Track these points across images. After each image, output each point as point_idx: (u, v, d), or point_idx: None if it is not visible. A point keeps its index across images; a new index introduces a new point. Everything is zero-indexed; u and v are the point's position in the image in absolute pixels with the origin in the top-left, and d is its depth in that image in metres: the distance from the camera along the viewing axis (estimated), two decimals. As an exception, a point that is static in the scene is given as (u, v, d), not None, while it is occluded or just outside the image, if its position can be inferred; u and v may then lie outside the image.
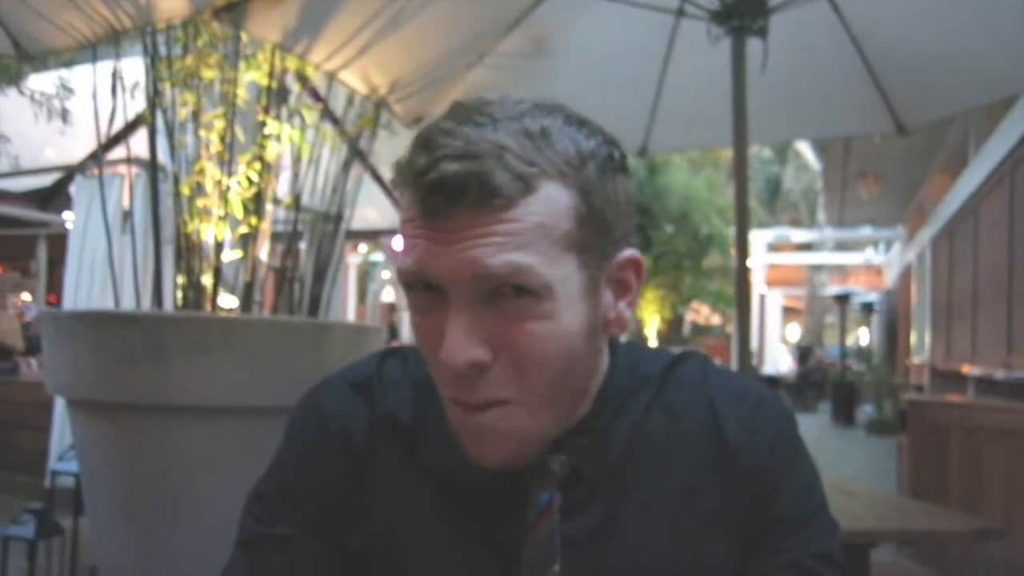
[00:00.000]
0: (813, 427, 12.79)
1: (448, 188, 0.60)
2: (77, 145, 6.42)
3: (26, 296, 11.96)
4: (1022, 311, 5.61)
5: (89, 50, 2.95)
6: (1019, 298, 5.70)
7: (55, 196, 9.10)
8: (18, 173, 7.30)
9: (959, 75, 3.21)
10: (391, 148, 6.36)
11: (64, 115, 5.11)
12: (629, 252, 0.71)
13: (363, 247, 14.40)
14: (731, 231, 14.45)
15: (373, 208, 9.50)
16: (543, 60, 3.30)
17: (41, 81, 5.35)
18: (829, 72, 3.35)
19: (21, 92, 5.23)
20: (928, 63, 3.20)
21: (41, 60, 3.90)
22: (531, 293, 0.62)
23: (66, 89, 5.06)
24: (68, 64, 4.96)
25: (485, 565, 0.72)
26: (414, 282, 0.65)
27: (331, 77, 2.90)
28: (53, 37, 2.79)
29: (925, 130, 8.25)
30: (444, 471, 0.73)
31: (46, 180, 8.86)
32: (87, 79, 3.40)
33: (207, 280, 2.96)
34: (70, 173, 7.42)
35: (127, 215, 4.27)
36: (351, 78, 2.91)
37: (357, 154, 3.52)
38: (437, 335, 0.64)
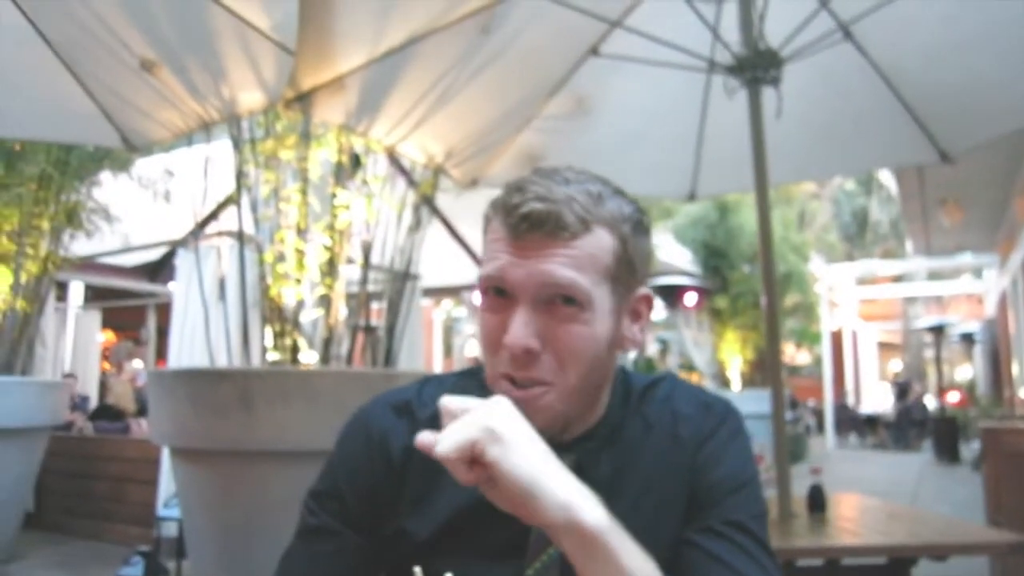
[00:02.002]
0: (913, 466, 12.23)
1: (532, 219, 0.84)
2: (179, 222, 7.03)
3: (138, 363, 12.78)
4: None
5: (186, 137, 3.37)
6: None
7: (161, 269, 9.84)
8: (128, 250, 7.98)
9: (995, 100, 3.25)
10: (468, 209, 6.65)
11: (167, 196, 5.66)
12: (644, 290, 0.94)
13: (447, 303, 14.83)
14: (809, 267, 14.20)
15: (454, 266, 9.87)
16: (587, 119, 3.52)
17: (146, 166, 5.94)
18: (864, 108, 3.44)
19: (130, 177, 5.83)
20: (962, 91, 3.26)
21: (146, 149, 4.39)
22: (577, 303, 0.85)
23: (168, 173, 5.61)
24: (169, 149, 5.50)
25: (500, 542, 0.89)
26: (491, 286, 0.87)
27: (392, 150, 3.21)
28: (154, 131, 3.20)
29: (1001, 152, 8.08)
30: None
31: (153, 255, 9.60)
32: (185, 163, 3.85)
33: (289, 337, 3.27)
34: (173, 247, 8.05)
35: (222, 283, 4.68)
36: (410, 149, 3.21)
37: (428, 215, 3.82)
38: (500, 329, 0.86)
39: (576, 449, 0.91)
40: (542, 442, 0.77)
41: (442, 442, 0.74)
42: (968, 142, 3.49)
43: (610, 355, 0.91)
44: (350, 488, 0.95)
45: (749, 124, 2.67)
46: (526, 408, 0.84)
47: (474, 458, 0.74)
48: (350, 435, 0.99)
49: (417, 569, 0.69)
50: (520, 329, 0.84)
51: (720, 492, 0.91)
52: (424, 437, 0.78)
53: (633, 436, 0.96)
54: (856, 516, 2.34)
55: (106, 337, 15.98)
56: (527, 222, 0.84)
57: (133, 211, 6.15)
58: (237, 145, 3.32)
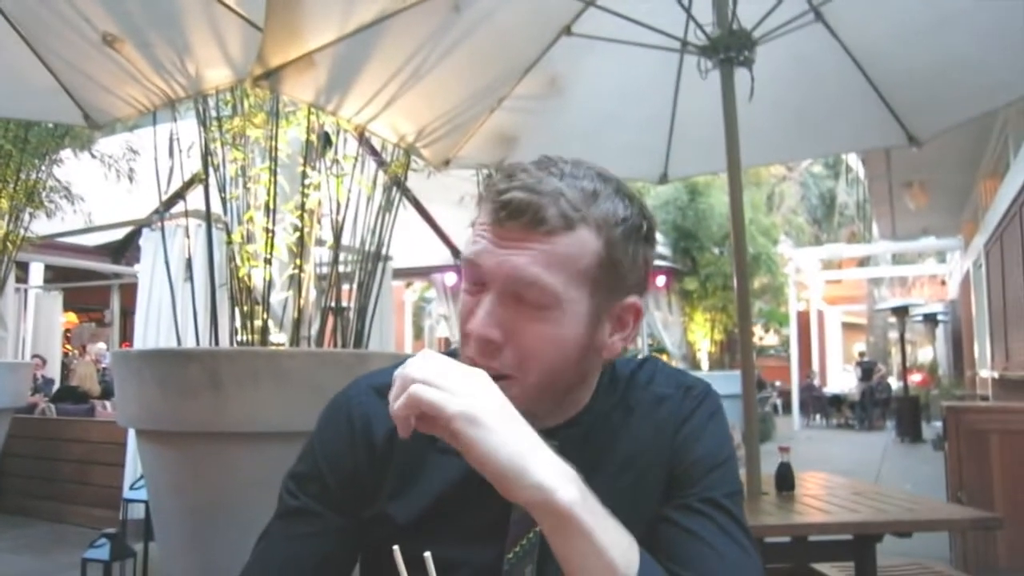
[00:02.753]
0: (877, 445, 12.50)
1: (511, 207, 0.82)
2: (143, 201, 6.90)
3: (101, 345, 12.59)
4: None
5: (151, 115, 3.30)
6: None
7: (125, 249, 9.68)
8: (91, 229, 7.82)
9: (964, 84, 3.29)
10: (440, 190, 6.61)
11: (130, 175, 5.55)
12: (633, 299, 0.90)
13: (418, 285, 14.77)
14: (777, 250, 14.36)
15: (424, 246, 9.84)
16: (559, 100, 3.51)
17: (109, 145, 5.81)
18: (835, 91, 3.47)
19: (92, 155, 5.70)
20: (931, 75, 3.29)
21: (109, 126, 4.28)
22: (543, 302, 0.83)
23: (132, 151, 5.50)
24: (132, 128, 5.39)
25: (482, 525, 0.90)
26: (468, 268, 0.86)
27: (363, 130, 3.16)
28: (117, 108, 3.13)
29: (966, 136, 8.22)
30: (456, 451, 0.89)
31: (117, 235, 9.43)
32: (149, 141, 3.77)
33: (258, 318, 3.23)
34: (138, 227, 7.92)
35: (189, 263, 4.62)
36: (381, 128, 3.17)
37: (399, 196, 3.78)
38: (471, 312, 0.85)
39: (559, 435, 0.90)
40: (519, 420, 0.76)
41: (417, 388, 0.73)
42: (936, 126, 3.53)
43: (584, 359, 0.88)
44: (332, 472, 0.93)
45: (722, 105, 2.67)
46: None
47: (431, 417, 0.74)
48: (331, 418, 0.98)
49: (396, 549, 0.68)
50: (483, 318, 0.83)
51: (697, 471, 0.92)
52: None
53: (616, 421, 0.96)
54: (823, 494, 2.37)
55: (68, 319, 15.71)
56: (506, 210, 0.82)
57: (95, 190, 6.02)
58: (204, 123, 3.25)
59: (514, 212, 0.82)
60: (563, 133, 3.74)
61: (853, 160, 18.81)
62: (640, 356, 1.06)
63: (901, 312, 14.23)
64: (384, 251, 3.72)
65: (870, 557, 2.19)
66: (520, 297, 0.83)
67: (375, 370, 1.03)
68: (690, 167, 4.14)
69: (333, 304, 3.58)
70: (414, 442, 0.90)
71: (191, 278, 3.72)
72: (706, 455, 0.93)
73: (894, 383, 17.22)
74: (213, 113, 3.33)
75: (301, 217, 3.29)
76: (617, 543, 0.76)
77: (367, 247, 3.63)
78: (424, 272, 10.10)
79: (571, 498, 0.73)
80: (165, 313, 4.94)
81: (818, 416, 17.87)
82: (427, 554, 0.66)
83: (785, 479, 2.40)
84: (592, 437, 0.94)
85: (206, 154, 3.27)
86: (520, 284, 0.82)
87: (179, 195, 4.53)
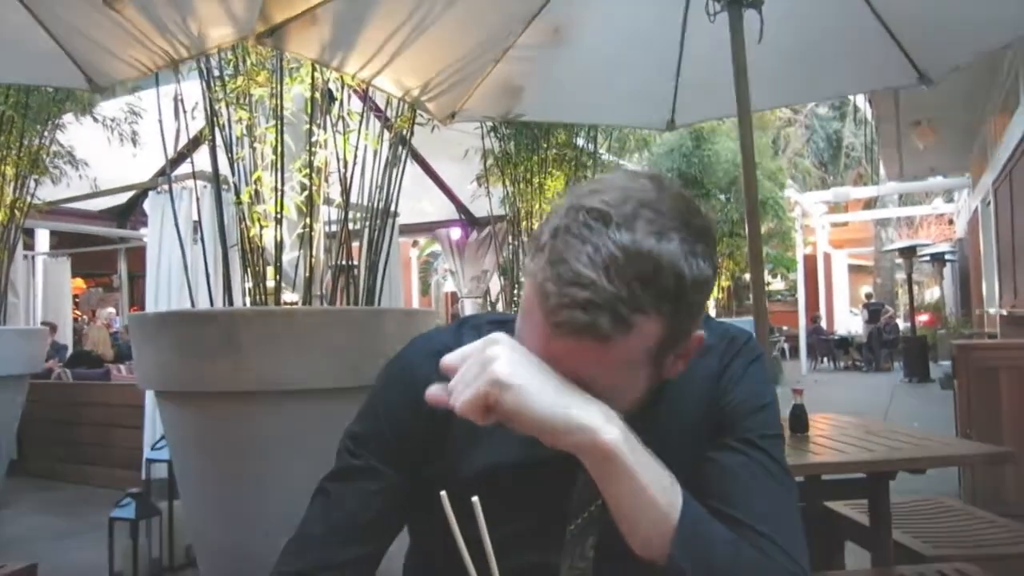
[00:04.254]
0: (885, 386, 12.58)
1: (566, 328, 0.76)
2: (148, 164, 6.88)
3: (111, 309, 12.66)
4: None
5: (153, 77, 3.27)
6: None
7: (130, 213, 9.67)
8: (96, 194, 7.82)
9: (974, 19, 3.22)
10: (443, 144, 6.58)
11: (134, 138, 5.52)
12: (697, 333, 0.85)
13: (421, 241, 14.75)
14: (785, 194, 14.26)
15: (428, 202, 9.80)
16: (565, 49, 3.45)
17: (112, 108, 5.77)
18: (845, 31, 3.40)
19: (95, 119, 5.66)
20: (942, 12, 3.23)
21: (110, 89, 4.24)
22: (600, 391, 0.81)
23: (134, 114, 5.46)
24: (134, 90, 5.34)
25: (540, 496, 0.92)
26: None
27: (367, 84, 3.13)
28: (119, 70, 3.10)
29: (975, 73, 8.09)
30: None
31: (122, 199, 9.42)
32: (152, 104, 3.74)
33: (271, 278, 3.25)
34: (143, 191, 7.90)
35: (197, 225, 4.62)
36: (385, 83, 3.14)
37: (406, 151, 3.76)
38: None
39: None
40: (549, 371, 0.79)
41: (456, 401, 0.78)
42: (948, 64, 3.46)
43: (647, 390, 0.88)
44: (394, 432, 0.96)
45: (731, 48, 2.64)
46: None
47: (488, 406, 0.77)
48: (393, 381, 0.99)
49: (443, 495, 0.70)
50: None
51: (738, 414, 0.94)
52: (433, 391, 0.82)
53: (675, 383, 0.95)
54: (836, 434, 2.41)
55: (75, 284, 15.79)
56: (560, 329, 0.76)
57: (99, 155, 6.00)
58: (207, 83, 3.22)
59: (568, 332, 0.76)
60: (568, 82, 3.69)
61: (860, 101, 18.55)
62: None
63: (908, 253, 14.19)
64: (392, 207, 3.72)
65: (884, 494, 2.23)
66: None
67: (430, 333, 1.05)
68: (697, 113, 4.10)
69: (344, 262, 3.59)
70: None
71: (201, 240, 3.72)
72: (746, 399, 0.95)
73: (901, 324, 17.27)
74: (216, 72, 3.30)
75: (309, 176, 3.28)
76: (658, 481, 0.79)
77: (375, 203, 3.63)
78: (429, 228, 10.07)
79: (614, 437, 0.76)
80: (176, 276, 4.96)
81: (825, 359, 17.96)
82: (475, 499, 0.68)
83: (799, 420, 2.43)
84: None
85: (211, 114, 3.26)
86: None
87: (184, 157, 4.51)
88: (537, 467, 0.91)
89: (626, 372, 0.81)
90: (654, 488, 0.78)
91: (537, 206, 6.27)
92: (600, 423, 0.77)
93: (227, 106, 3.24)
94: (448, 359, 0.82)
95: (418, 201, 9.77)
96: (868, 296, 20.07)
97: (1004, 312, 8.74)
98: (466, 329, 1.00)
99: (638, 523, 0.80)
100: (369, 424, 0.98)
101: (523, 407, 0.77)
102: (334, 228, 3.74)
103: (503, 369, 0.77)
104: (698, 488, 0.84)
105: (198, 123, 3.55)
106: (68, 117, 5.45)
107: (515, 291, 6.61)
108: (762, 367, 1.00)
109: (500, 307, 7.75)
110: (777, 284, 21.34)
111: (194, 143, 4.26)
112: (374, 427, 0.97)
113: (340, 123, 3.50)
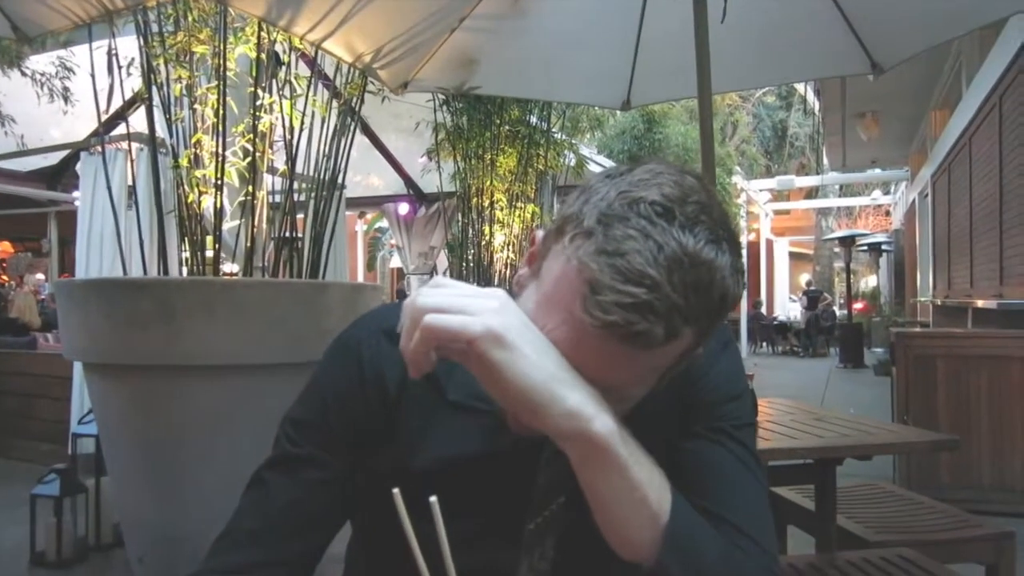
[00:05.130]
0: (821, 371, 12.92)
1: (617, 328, 0.66)
2: (81, 124, 6.55)
3: (40, 275, 12.17)
4: (1013, 241, 5.69)
5: (86, 31, 3.07)
6: (1009, 228, 5.78)
7: (62, 175, 9.22)
8: (23, 153, 7.42)
9: (929, 11, 3.25)
10: (392, 117, 6.40)
11: (65, 95, 5.24)
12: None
13: (369, 215, 14.51)
14: (732, 180, 14.45)
15: (377, 175, 9.61)
16: (522, 21, 3.36)
17: (42, 62, 5.47)
18: (802, 17, 3.39)
19: (23, 73, 5.36)
20: (899, 2, 3.25)
21: (40, 42, 4.00)
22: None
23: (66, 68, 5.18)
24: (67, 44, 5.07)
25: (498, 491, 0.84)
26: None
27: (317, 48, 3.00)
28: (49, 19, 2.90)
29: (920, 67, 8.27)
30: (469, 407, 0.85)
31: (52, 159, 8.98)
32: (86, 59, 3.53)
33: (209, 247, 3.11)
34: (75, 152, 7.54)
35: (132, 190, 4.42)
36: (336, 48, 3.01)
37: (353, 121, 3.63)
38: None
39: None
40: (549, 345, 0.69)
41: (431, 317, 0.66)
42: (900, 54, 3.49)
43: None
44: (339, 418, 0.86)
45: (694, 28, 2.59)
46: None
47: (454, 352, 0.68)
48: (339, 361, 0.90)
49: (396, 492, 0.62)
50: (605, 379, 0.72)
51: (711, 403, 0.88)
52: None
53: None
54: (785, 420, 2.41)
55: (2, 248, 15.13)
56: (608, 329, 0.67)
57: (28, 111, 5.69)
58: (144, 38, 3.04)
59: (615, 334, 0.67)
60: (525, 56, 3.61)
61: (808, 92, 18.87)
62: None
63: (847, 242, 14.53)
64: (339, 178, 3.59)
65: (830, 479, 2.24)
66: None
67: (379, 309, 0.94)
68: (653, 94, 4.06)
69: (288, 234, 3.46)
70: (424, 394, 0.86)
71: (135, 205, 3.54)
72: (719, 386, 0.90)
73: (838, 311, 17.73)
74: (155, 28, 3.12)
75: (252, 141, 3.13)
76: (650, 479, 0.72)
77: (321, 174, 3.50)
78: (377, 202, 9.88)
79: (607, 428, 0.68)
80: (108, 242, 4.74)
81: (765, 344, 18.35)
82: (433, 498, 0.60)
83: (748, 406, 2.43)
84: None
85: (148, 72, 3.08)
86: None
87: (120, 116, 4.29)
88: (496, 460, 0.84)
89: (641, 380, 0.74)
90: (647, 487, 0.71)
91: (488, 183, 6.17)
92: (594, 411, 0.68)
93: (165, 63, 3.07)
94: (441, 278, 0.71)
95: (367, 175, 9.57)
96: (807, 283, 20.54)
97: (938, 302, 9.02)
98: None
99: (626, 522, 0.72)
100: (311, 409, 0.89)
101: (513, 372, 0.66)
102: (278, 199, 3.60)
103: (504, 322, 0.67)
104: (672, 481, 0.77)
105: (135, 81, 3.36)
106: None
107: (463, 268, 6.52)
108: (733, 353, 0.95)
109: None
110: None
111: (130, 103, 4.05)
112: (317, 412, 0.88)
113: (287, 88, 3.36)
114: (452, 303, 0.68)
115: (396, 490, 0.62)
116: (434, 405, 0.87)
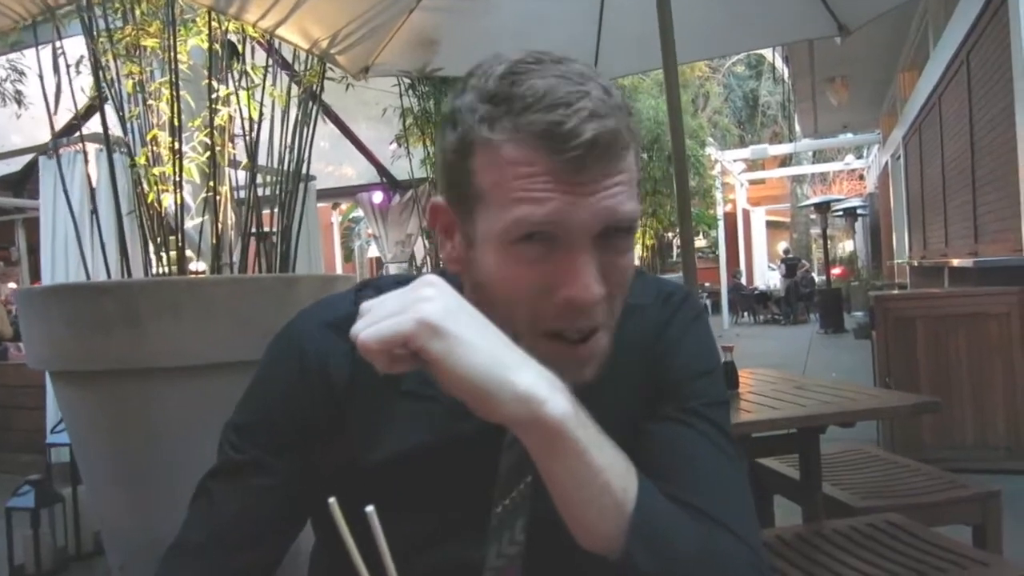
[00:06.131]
0: (802, 337, 13.01)
1: (599, 147, 0.67)
2: (42, 128, 6.39)
3: (12, 284, 11.96)
4: (986, 198, 5.71)
5: (32, 32, 2.96)
6: (982, 186, 5.80)
7: (26, 181, 9.02)
8: (-17, 161, 7.27)
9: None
10: (361, 104, 6.30)
11: (18, 98, 5.10)
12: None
13: (344, 205, 14.37)
14: (706, 152, 14.45)
15: (349, 165, 9.49)
16: (482, -2, 3.30)
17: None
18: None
19: (-27, 79, 5.22)
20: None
21: (-13, 45, 3.86)
22: (630, 232, 0.72)
23: (16, 72, 5.04)
24: (14, 45, 4.93)
25: (461, 481, 0.79)
26: (536, 232, 0.69)
27: (270, 35, 2.91)
28: (-10, 20, 2.80)
29: (887, 28, 8.26)
30: (424, 395, 0.79)
31: (16, 166, 8.79)
32: (36, 62, 3.42)
33: (173, 247, 3.03)
34: (36, 157, 7.37)
35: (93, 193, 4.31)
36: (290, 34, 2.93)
37: (316, 109, 3.55)
38: (548, 280, 0.70)
39: None
40: (490, 326, 0.65)
41: (365, 334, 0.62)
42: (866, 14, 3.46)
43: None
44: (283, 416, 0.81)
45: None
46: (588, 363, 0.73)
47: (406, 353, 0.63)
48: (279, 356, 0.84)
49: (332, 501, 0.57)
50: (590, 279, 0.69)
51: (680, 380, 0.84)
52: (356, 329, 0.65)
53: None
54: (767, 390, 2.38)
55: (-28, 258, 14.83)
56: (592, 152, 0.66)
57: (-16, 118, 5.55)
58: (90, 34, 2.94)
59: (601, 151, 0.67)
60: (486, 34, 3.53)
61: (776, 60, 18.88)
62: None
63: (823, 208, 14.60)
64: (305, 169, 3.51)
65: (815, 449, 2.22)
66: (608, 238, 0.71)
67: (323, 301, 0.89)
68: (620, 66, 4.01)
69: (255, 229, 3.38)
70: (376, 386, 0.79)
71: (94, 207, 3.44)
72: (688, 362, 0.85)
73: (817, 277, 17.84)
74: (101, 24, 3.02)
75: (211, 135, 3.05)
76: (612, 464, 0.66)
77: (286, 165, 3.42)
78: (350, 192, 9.77)
79: (562, 411, 0.63)
80: (72, 247, 4.63)
81: (746, 313, 18.44)
82: (369, 508, 0.55)
83: (730, 378, 2.39)
84: None
85: (96, 69, 2.98)
86: (619, 224, 0.70)
87: (78, 118, 4.17)
88: (456, 448, 0.79)
89: (632, 193, 0.71)
90: (609, 472, 0.65)
91: (459, 167, 6.10)
92: (546, 393, 0.63)
93: (115, 59, 2.97)
94: (367, 306, 0.66)
95: (339, 165, 9.45)
96: (785, 251, 20.65)
97: (915, 263, 9.07)
98: (368, 293, 0.82)
99: (586, 511, 0.66)
100: (253, 411, 0.84)
101: (454, 361, 0.62)
102: (243, 194, 3.51)
103: (436, 310, 0.63)
104: (639, 463, 0.71)
105: (86, 80, 3.26)
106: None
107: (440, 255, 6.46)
108: (704, 327, 0.90)
109: (427, 271, 7.56)
110: (699, 241, 21.76)
111: (89, 105, 3.94)
112: (259, 413, 0.83)
113: (244, 78, 3.27)
114: (381, 310, 0.64)
115: (332, 499, 0.57)
116: (388, 397, 0.82)
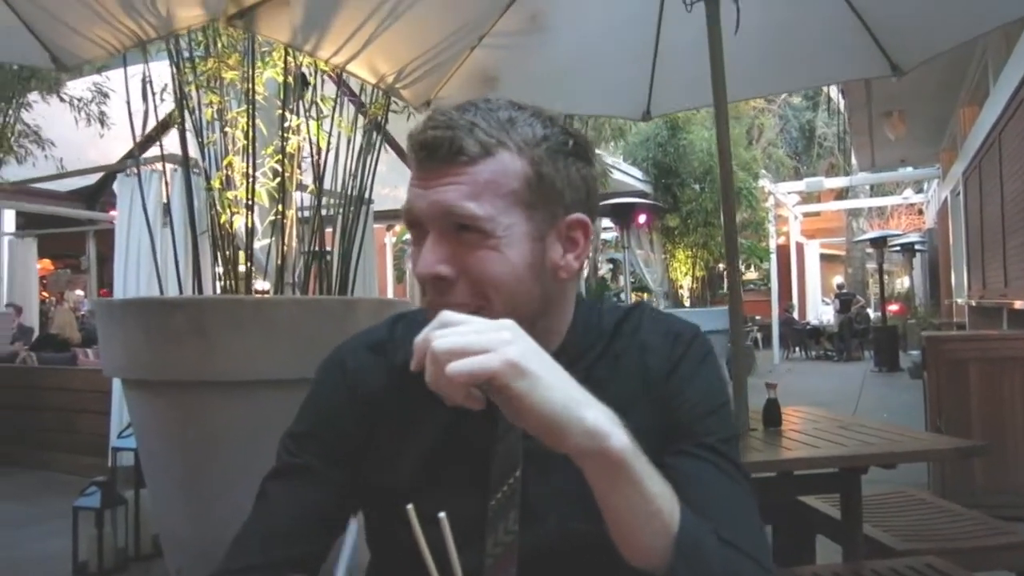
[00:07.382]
0: (855, 375, 12.72)
1: (429, 146, 0.83)
2: (116, 145, 6.74)
3: (79, 292, 12.44)
4: (1046, 241, 5.60)
5: (120, 56, 3.18)
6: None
7: (99, 194, 9.49)
8: (62, 175, 7.65)
9: (947, 11, 3.22)
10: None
11: (101, 119, 5.40)
12: (577, 216, 0.90)
13: (397, 228, 14.63)
14: (759, 184, 14.34)
15: (404, 188, 9.67)
16: (540, 36, 3.41)
17: (79, 88, 5.64)
18: (819, 21, 3.38)
19: (62, 99, 5.53)
20: (915, 2, 3.24)
21: (78, 69, 4.13)
22: (478, 230, 0.83)
23: (102, 94, 5.34)
24: (100, 69, 5.23)
25: (466, 475, 0.90)
26: (411, 220, 0.87)
27: (341, 70, 3.07)
28: (86, 49, 3.01)
29: (945, 64, 8.16)
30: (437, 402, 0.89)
31: (90, 180, 9.23)
32: (120, 84, 3.65)
33: (241, 265, 3.19)
34: (112, 172, 7.74)
35: (167, 209, 4.53)
36: (359, 70, 3.08)
37: (380, 138, 3.70)
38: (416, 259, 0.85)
39: None
40: (559, 366, 0.74)
41: (454, 366, 0.68)
42: (920, 55, 3.46)
43: (541, 283, 0.87)
44: (329, 427, 0.96)
45: (708, 39, 2.62)
46: None
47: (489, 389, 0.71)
48: (327, 375, 1.00)
49: (410, 508, 0.67)
50: (427, 257, 0.84)
51: (691, 417, 0.92)
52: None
53: (603, 371, 0.95)
54: (809, 428, 2.41)
55: (43, 265, 15.47)
56: (425, 150, 0.84)
57: (66, 135, 5.87)
58: (176, 64, 3.14)
59: (432, 150, 0.83)
60: (544, 71, 3.65)
61: (833, 91, 18.70)
62: (630, 302, 1.05)
63: (879, 243, 14.35)
64: (367, 194, 3.67)
65: (855, 488, 2.24)
66: (459, 230, 0.83)
67: (367, 328, 1.04)
68: (673, 103, 4.08)
69: (316, 249, 3.54)
70: (403, 400, 0.93)
71: (170, 224, 3.65)
72: (699, 401, 0.93)
73: (872, 314, 17.47)
74: (186, 54, 3.23)
75: (281, 162, 3.22)
76: (663, 491, 0.76)
77: (349, 190, 3.58)
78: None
79: (624, 444, 0.72)
80: (144, 260, 4.87)
81: (797, 349, 18.14)
82: (409, 506, 0.66)
83: (772, 415, 2.44)
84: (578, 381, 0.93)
85: (180, 97, 3.18)
86: (453, 217, 0.83)
87: (153, 139, 4.41)
88: (459, 445, 0.91)
89: (498, 209, 0.83)
90: (660, 499, 0.75)
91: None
92: (609, 427, 0.72)
93: (197, 89, 3.17)
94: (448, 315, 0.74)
95: (395, 188, 9.66)
96: (839, 286, 20.28)
97: (973, 302, 8.88)
98: (401, 324, 1.01)
99: (640, 534, 0.76)
100: (305, 422, 0.98)
101: (534, 399, 0.70)
102: (307, 215, 3.68)
103: (520, 352, 0.70)
104: None
105: (168, 105, 3.47)
106: (34, 96, 5.32)
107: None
108: (713, 365, 0.98)
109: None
110: (750, 274, 21.48)
111: (163, 126, 4.17)
112: (310, 424, 0.97)
113: (313, 108, 3.44)
114: (467, 343, 0.70)
115: (410, 506, 0.67)
116: (411, 414, 0.94)
